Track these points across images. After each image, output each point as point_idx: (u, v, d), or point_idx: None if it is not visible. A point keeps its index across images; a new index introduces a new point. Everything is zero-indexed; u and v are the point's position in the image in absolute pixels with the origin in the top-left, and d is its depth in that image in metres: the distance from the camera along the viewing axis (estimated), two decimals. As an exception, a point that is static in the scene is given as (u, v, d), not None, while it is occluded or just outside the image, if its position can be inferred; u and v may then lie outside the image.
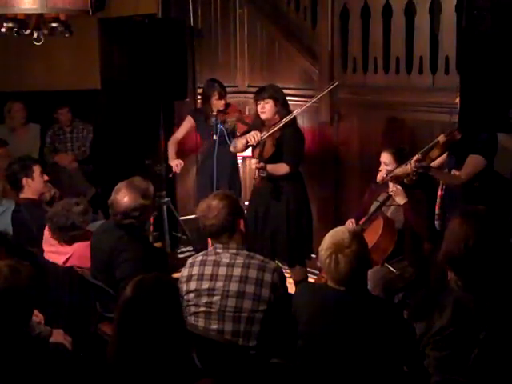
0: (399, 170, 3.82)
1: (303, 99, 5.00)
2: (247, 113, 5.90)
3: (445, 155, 3.75)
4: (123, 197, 3.32)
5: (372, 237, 3.95)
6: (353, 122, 5.02)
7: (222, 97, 5.14)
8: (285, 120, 4.34)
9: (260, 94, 4.44)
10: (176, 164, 5.30)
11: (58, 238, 3.70)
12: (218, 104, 5.14)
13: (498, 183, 3.75)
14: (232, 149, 4.78)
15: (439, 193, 3.86)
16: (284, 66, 5.54)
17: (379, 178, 4.13)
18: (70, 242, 3.71)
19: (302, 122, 5.01)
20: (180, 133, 5.40)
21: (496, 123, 3.00)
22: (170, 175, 5.42)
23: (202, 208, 2.97)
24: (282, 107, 4.44)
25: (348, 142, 5.07)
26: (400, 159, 3.99)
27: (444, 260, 2.62)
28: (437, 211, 3.88)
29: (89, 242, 3.67)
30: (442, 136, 3.58)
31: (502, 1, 3.02)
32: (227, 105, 5.22)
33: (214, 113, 5.15)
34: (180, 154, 5.43)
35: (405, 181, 3.74)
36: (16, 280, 2.55)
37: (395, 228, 4.07)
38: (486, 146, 3.55)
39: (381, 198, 4.19)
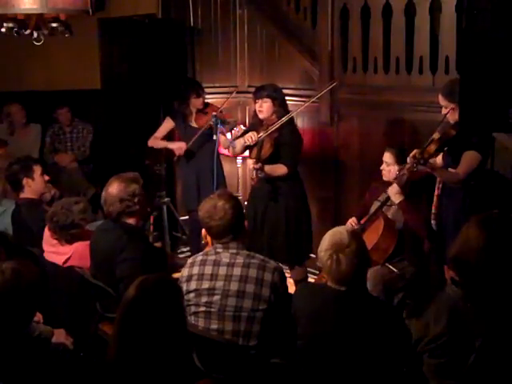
0: (406, 167, 3.78)
1: (303, 99, 5.00)
2: (247, 113, 5.91)
3: (440, 156, 3.75)
4: (113, 187, 3.37)
5: (373, 237, 3.95)
6: (353, 122, 5.02)
7: (199, 95, 5.04)
8: (283, 120, 4.34)
9: (259, 93, 4.44)
10: (179, 146, 5.05)
11: (59, 237, 3.70)
12: (196, 103, 5.06)
13: (497, 183, 3.75)
14: (231, 151, 4.78)
15: (436, 192, 3.86)
16: (284, 66, 5.53)
17: (387, 177, 4.12)
18: (70, 240, 3.71)
19: (302, 122, 5.02)
20: (159, 133, 5.22)
21: (496, 123, 3.00)
22: (175, 159, 5.12)
23: (207, 208, 2.95)
24: (280, 107, 4.43)
25: (348, 142, 5.07)
26: (401, 159, 3.99)
27: (453, 264, 2.59)
28: (433, 210, 3.88)
29: (89, 242, 3.68)
30: (436, 133, 3.60)
31: (502, 1, 3.02)
32: (206, 104, 5.13)
33: (193, 112, 5.08)
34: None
35: (406, 172, 3.71)
36: (18, 282, 2.55)
37: (396, 228, 4.07)
38: (481, 142, 3.56)
39: (381, 197, 4.19)
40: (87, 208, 3.82)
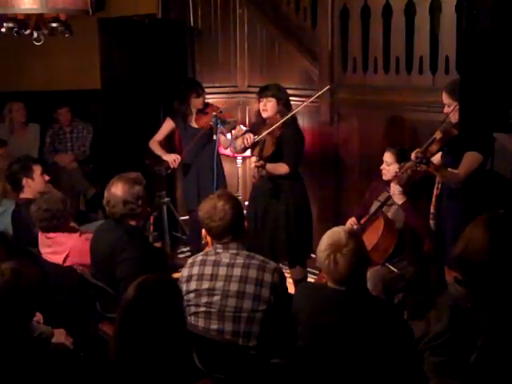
0: (407, 166, 3.79)
1: (303, 99, 4.99)
2: (247, 113, 5.91)
3: (438, 156, 3.75)
4: (117, 188, 3.34)
5: (373, 237, 3.95)
6: (353, 122, 5.02)
7: (199, 95, 5.04)
8: (283, 119, 4.35)
9: (263, 92, 4.45)
10: (173, 159, 5.07)
11: (55, 226, 3.65)
12: (196, 103, 5.06)
13: (497, 183, 3.75)
14: (232, 150, 4.79)
15: (435, 192, 3.86)
16: (284, 66, 5.53)
17: (387, 176, 4.12)
18: (65, 227, 3.70)
19: (302, 122, 5.01)
20: (160, 135, 5.23)
21: (496, 123, 3.00)
22: (169, 171, 5.13)
23: (206, 209, 2.95)
24: (284, 107, 4.45)
25: (348, 142, 5.07)
26: (402, 159, 4.00)
27: (457, 264, 2.59)
28: (432, 210, 3.88)
29: (85, 237, 3.69)
30: (438, 132, 3.60)
31: (502, 1, 3.02)
32: (206, 104, 5.13)
33: (194, 112, 5.08)
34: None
35: (409, 172, 3.71)
36: (18, 282, 2.55)
37: (396, 228, 4.07)
38: (482, 143, 3.56)
39: (382, 197, 4.19)
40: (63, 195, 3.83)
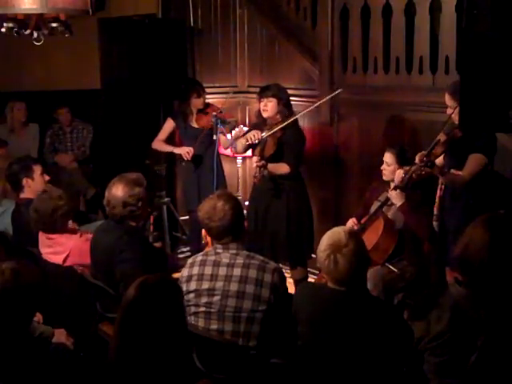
0: (412, 169, 3.76)
1: (303, 99, 5.01)
2: (247, 113, 5.91)
3: (442, 157, 3.75)
4: (117, 189, 3.34)
5: (372, 237, 3.95)
6: (353, 122, 5.02)
7: (200, 95, 5.06)
8: (287, 121, 4.34)
9: (264, 92, 4.46)
10: (187, 151, 5.02)
11: (55, 227, 3.66)
12: (197, 103, 5.07)
13: (497, 183, 3.75)
14: (232, 150, 4.78)
15: (438, 193, 3.85)
16: (284, 66, 5.54)
17: (387, 176, 4.11)
18: (65, 227, 3.70)
19: (303, 123, 5.01)
20: (162, 135, 5.23)
21: (496, 123, 3.00)
22: (183, 163, 5.12)
23: (206, 209, 2.95)
24: (285, 107, 4.45)
25: (348, 142, 5.07)
26: (402, 160, 4.00)
27: (457, 264, 2.59)
28: (435, 212, 3.87)
29: (85, 238, 3.68)
30: (441, 134, 3.59)
31: (502, 1, 3.03)
32: (206, 104, 5.14)
33: (194, 112, 5.10)
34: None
35: (413, 176, 3.71)
36: (18, 282, 2.55)
37: (396, 228, 4.07)
38: (487, 145, 3.56)
39: (382, 197, 4.18)
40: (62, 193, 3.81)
